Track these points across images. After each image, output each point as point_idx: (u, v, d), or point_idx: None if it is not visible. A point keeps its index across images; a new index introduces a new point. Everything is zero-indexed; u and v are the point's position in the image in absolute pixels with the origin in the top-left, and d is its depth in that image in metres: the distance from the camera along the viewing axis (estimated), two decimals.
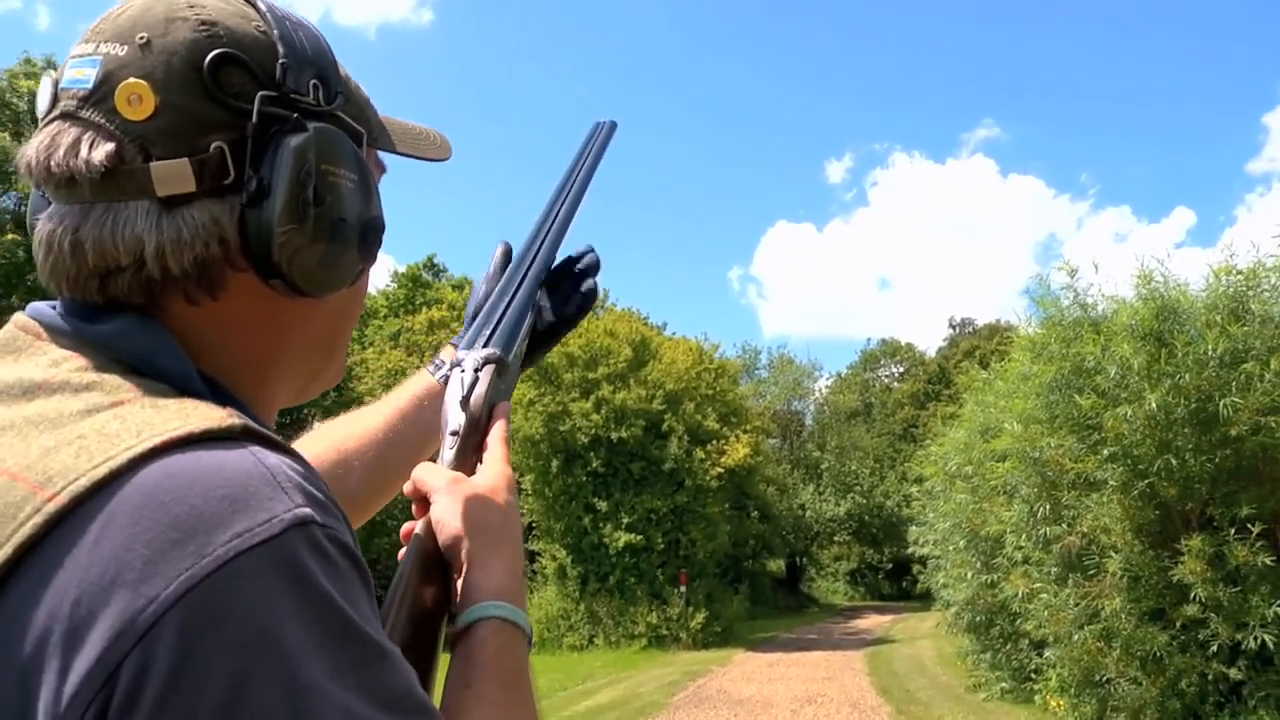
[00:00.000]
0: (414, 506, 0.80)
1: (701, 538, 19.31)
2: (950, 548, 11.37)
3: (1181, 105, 73.06)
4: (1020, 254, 76.72)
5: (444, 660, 0.73)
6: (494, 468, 0.82)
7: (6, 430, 0.56)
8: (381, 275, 37.48)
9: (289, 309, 0.68)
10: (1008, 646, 10.31)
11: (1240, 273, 7.68)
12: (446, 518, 0.76)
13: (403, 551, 0.77)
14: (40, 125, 0.64)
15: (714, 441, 20.05)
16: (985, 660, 11.08)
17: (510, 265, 1.01)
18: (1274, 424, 6.99)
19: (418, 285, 36.23)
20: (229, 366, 0.66)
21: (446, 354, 1.01)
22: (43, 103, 0.65)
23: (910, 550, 15.51)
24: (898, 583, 35.17)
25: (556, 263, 1.04)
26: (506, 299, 0.96)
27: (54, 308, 0.65)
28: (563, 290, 1.05)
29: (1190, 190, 76.76)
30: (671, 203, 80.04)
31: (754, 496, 25.04)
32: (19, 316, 0.65)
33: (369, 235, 0.70)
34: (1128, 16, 71.70)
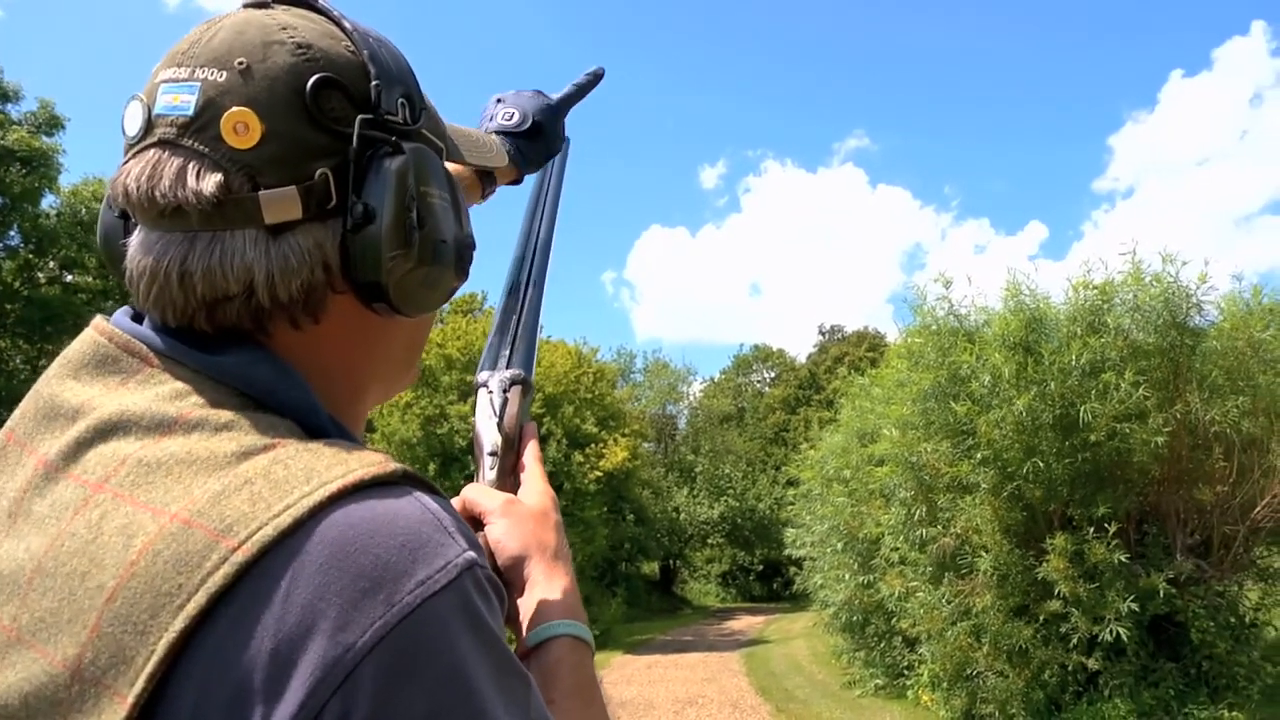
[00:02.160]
0: None
1: (579, 541, 19.29)
2: (828, 549, 11.73)
3: (1036, 126, 77.65)
4: (888, 263, 79.74)
5: None
6: (537, 486, 0.85)
7: (154, 469, 0.55)
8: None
9: (379, 326, 0.68)
10: (882, 644, 10.72)
11: (1095, 287, 8.21)
12: (506, 539, 0.78)
13: None
14: (132, 151, 0.62)
15: (592, 445, 20.09)
16: (860, 658, 11.49)
17: (507, 284, 1.02)
18: (1128, 430, 7.50)
19: None
20: (327, 386, 0.66)
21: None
22: (133, 127, 0.62)
23: (786, 552, 15.91)
24: (769, 584, 35.96)
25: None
26: (516, 318, 0.97)
27: (150, 328, 0.63)
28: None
29: (1042, 205, 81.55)
30: None
31: (630, 500, 25.17)
32: (106, 328, 0.64)
33: (464, 254, 0.71)
34: (990, 35, 75.64)
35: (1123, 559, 7.44)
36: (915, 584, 8.67)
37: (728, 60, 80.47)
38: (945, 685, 8.46)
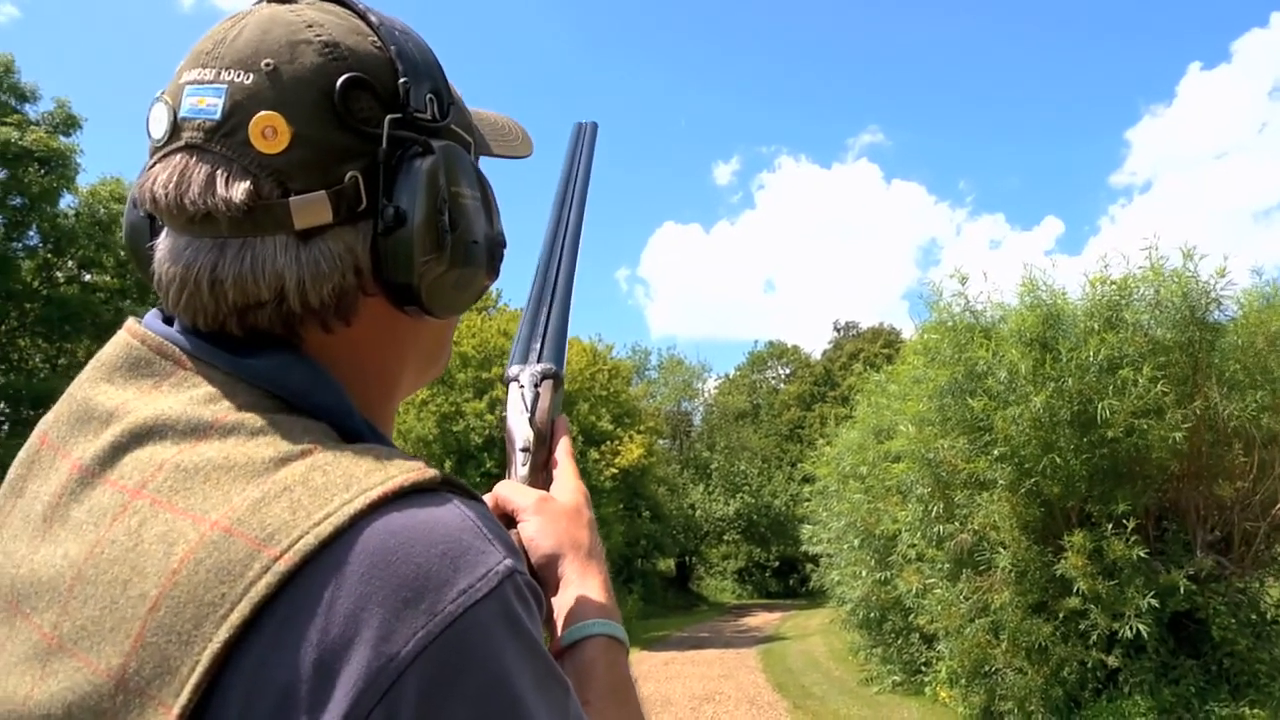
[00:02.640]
0: None
1: None
2: (844, 546, 11.70)
3: (1051, 120, 77.23)
4: (902, 258, 79.50)
5: None
6: (570, 483, 0.84)
7: (192, 475, 0.55)
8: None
9: (409, 326, 0.68)
10: (899, 641, 10.69)
11: (1114, 283, 8.15)
12: (540, 537, 0.77)
13: None
14: (158, 154, 0.61)
15: (608, 442, 20.12)
16: (877, 655, 11.46)
17: (537, 277, 1.00)
18: (1146, 426, 7.45)
19: None
20: (361, 388, 0.66)
21: None
22: (158, 129, 0.61)
23: (803, 549, 15.87)
24: (785, 580, 35.92)
25: None
26: (545, 310, 0.96)
27: (180, 330, 0.63)
28: None
29: (1059, 200, 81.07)
30: None
31: (646, 497, 25.19)
32: (139, 331, 0.63)
33: (495, 253, 0.70)
34: (1004, 29, 75.14)
35: (1142, 555, 7.39)
36: (933, 580, 8.63)
37: (741, 57, 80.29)
38: (963, 682, 8.42)
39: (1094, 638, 7.51)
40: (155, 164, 0.61)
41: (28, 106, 18.58)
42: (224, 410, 0.58)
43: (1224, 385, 7.83)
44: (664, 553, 30.81)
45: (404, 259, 0.61)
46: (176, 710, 0.49)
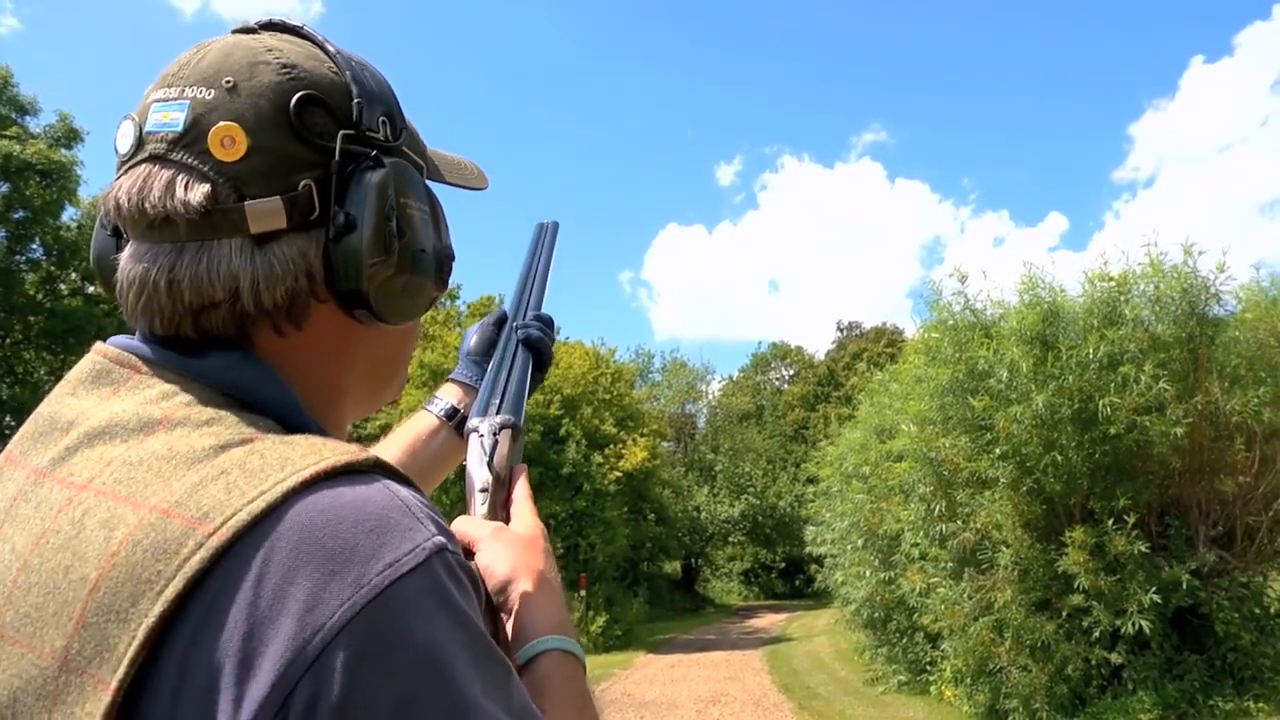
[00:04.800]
0: None
1: (600, 541, 19.34)
2: (848, 546, 11.71)
3: (1055, 116, 77.16)
4: (906, 257, 79.44)
5: None
6: (527, 518, 0.87)
7: (136, 466, 0.57)
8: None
9: (361, 335, 0.71)
10: (904, 640, 10.68)
11: (1113, 279, 8.16)
12: (495, 563, 0.79)
13: None
14: (124, 167, 0.65)
15: (612, 445, 20.12)
16: (882, 654, 11.45)
17: (497, 350, 1.07)
18: (1147, 423, 7.46)
19: None
20: (306, 391, 0.68)
21: (444, 392, 1.08)
22: (124, 144, 0.65)
23: (807, 549, 15.87)
24: (791, 581, 35.91)
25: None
26: (507, 369, 1.02)
27: (142, 341, 0.66)
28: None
29: (1062, 196, 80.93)
30: (562, 206, 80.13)
31: (651, 499, 25.18)
32: (103, 347, 0.67)
33: (444, 265, 0.73)
34: (1006, 25, 75.19)
35: (1144, 551, 7.40)
36: (936, 580, 8.64)
37: (743, 56, 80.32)
38: (968, 681, 8.43)
39: (1097, 634, 7.52)
40: (121, 176, 0.65)
41: (29, 119, 18.65)
42: (173, 407, 0.60)
43: (1225, 380, 7.84)
44: (669, 555, 30.79)
45: (353, 262, 0.65)
46: (114, 685, 0.51)
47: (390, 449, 1.04)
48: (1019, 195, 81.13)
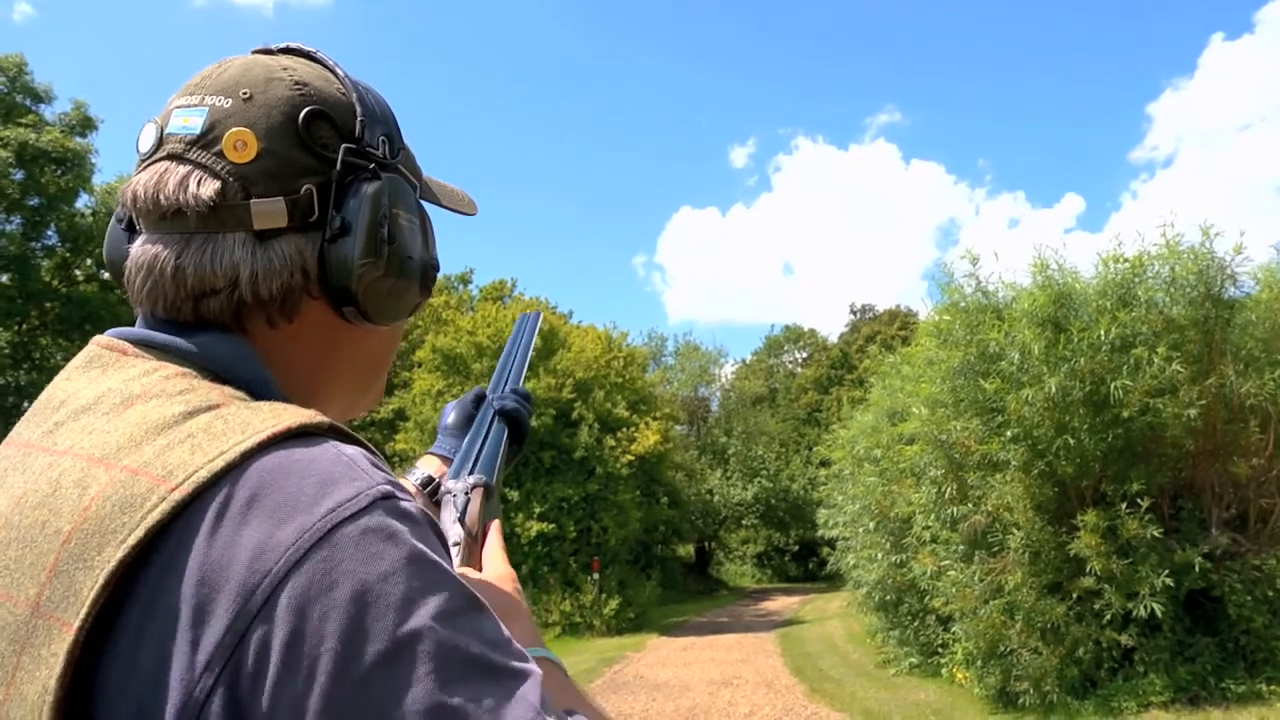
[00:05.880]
0: None
1: (613, 525, 19.41)
2: (860, 529, 11.71)
3: (1071, 96, 76.45)
4: (921, 239, 79.07)
5: None
6: (498, 566, 0.92)
7: (114, 434, 0.62)
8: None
9: (348, 336, 0.77)
10: (916, 623, 10.69)
11: (1127, 261, 8.10)
12: None
13: None
14: (144, 164, 0.71)
15: (624, 429, 20.15)
16: (894, 637, 11.46)
17: (474, 425, 1.12)
18: (1160, 405, 7.42)
19: None
20: (292, 382, 0.73)
21: (423, 463, 1.11)
22: (146, 144, 0.72)
23: (819, 533, 15.87)
24: (804, 564, 35.97)
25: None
26: (482, 437, 1.09)
27: (142, 327, 0.72)
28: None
29: (1079, 177, 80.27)
30: (575, 190, 79.94)
31: (663, 483, 25.23)
32: (98, 338, 0.72)
33: (428, 273, 0.79)
34: (1022, 3, 74.41)
35: (1156, 534, 7.38)
36: (947, 562, 8.64)
37: (756, 38, 79.82)
38: (979, 663, 8.43)
39: (1109, 617, 7.51)
40: (141, 172, 0.71)
41: (44, 107, 18.73)
42: (153, 382, 0.65)
43: (1240, 362, 7.78)
44: (682, 538, 30.89)
45: (345, 263, 0.71)
46: (76, 625, 0.54)
47: None
48: (1035, 176, 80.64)
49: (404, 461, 17.44)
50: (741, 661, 13.06)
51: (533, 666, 0.59)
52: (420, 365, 21.31)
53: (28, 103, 18.37)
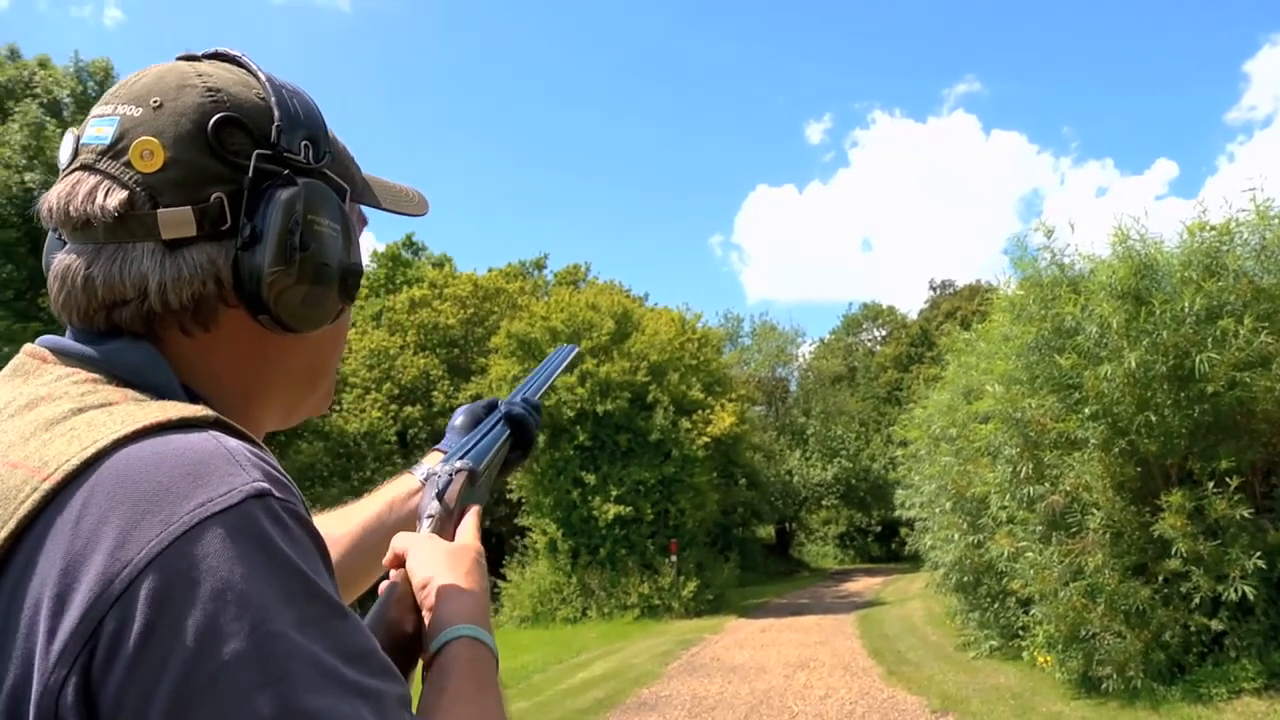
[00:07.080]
0: (392, 572, 0.87)
1: (690, 507, 19.42)
2: (937, 509, 11.49)
3: (1162, 55, 73.29)
4: (1003, 211, 77.10)
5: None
6: (465, 539, 0.91)
7: (11, 433, 0.63)
8: (362, 255, 37.58)
9: (274, 343, 0.76)
10: (995, 605, 10.45)
11: (1214, 228, 7.73)
12: (419, 566, 0.84)
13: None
14: (62, 175, 0.72)
15: (699, 411, 20.10)
16: (974, 619, 11.23)
17: (476, 429, 1.14)
18: (1249, 379, 7.08)
19: (398, 264, 36.07)
20: (216, 391, 0.73)
21: (428, 460, 1.15)
22: (64, 156, 0.73)
23: (897, 513, 15.64)
24: (887, 545, 35.48)
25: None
26: (482, 431, 1.11)
27: (68, 337, 0.72)
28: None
29: (1171, 141, 77.03)
30: (650, 172, 79.85)
31: (741, 464, 25.15)
32: (29, 346, 0.73)
33: (349, 279, 0.78)
34: None
35: (1247, 514, 7.06)
36: (1025, 543, 8.41)
37: (828, 12, 78.36)
38: (1060, 647, 8.20)
39: (1197, 601, 7.23)
40: (58, 184, 0.72)
41: None
42: (61, 386, 0.66)
43: None
44: (762, 520, 30.79)
45: (256, 271, 0.70)
46: None
47: (370, 505, 1.10)
48: (1123, 142, 77.71)
49: None
50: (819, 644, 12.97)
51: (388, 686, 0.59)
52: (496, 351, 21.56)
53: None
